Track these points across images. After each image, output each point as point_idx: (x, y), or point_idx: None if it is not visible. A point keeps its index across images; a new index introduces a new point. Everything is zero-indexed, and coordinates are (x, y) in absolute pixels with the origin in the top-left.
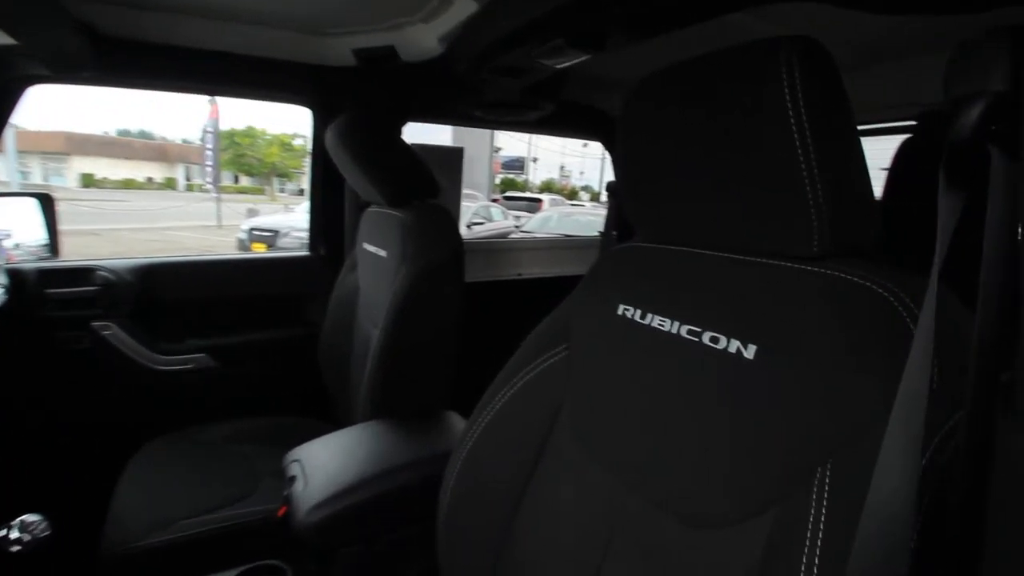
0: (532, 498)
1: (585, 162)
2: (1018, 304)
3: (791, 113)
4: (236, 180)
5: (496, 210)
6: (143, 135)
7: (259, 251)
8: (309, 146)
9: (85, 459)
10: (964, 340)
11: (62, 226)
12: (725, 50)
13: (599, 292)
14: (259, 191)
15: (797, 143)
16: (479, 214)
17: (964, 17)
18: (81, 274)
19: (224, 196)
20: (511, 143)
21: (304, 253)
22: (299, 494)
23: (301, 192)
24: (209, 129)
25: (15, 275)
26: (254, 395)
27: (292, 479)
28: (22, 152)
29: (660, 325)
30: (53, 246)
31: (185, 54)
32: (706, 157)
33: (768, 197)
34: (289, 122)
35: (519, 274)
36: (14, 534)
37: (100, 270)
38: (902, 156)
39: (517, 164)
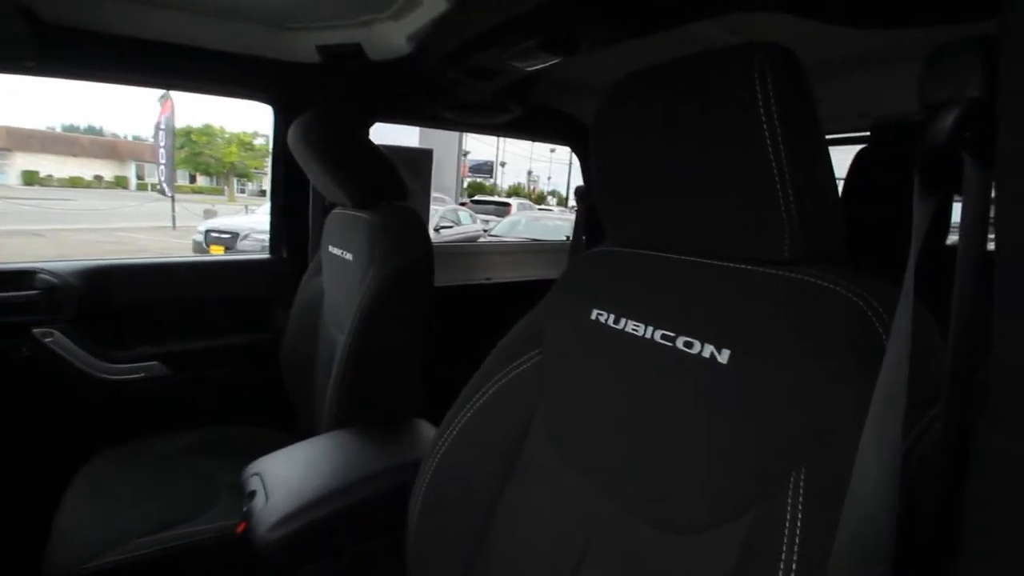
0: (506, 505)
1: (552, 167)
2: (991, 304)
3: (763, 118)
4: (192, 180)
5: (464, 214)
6: (91, 131)
7: (217, 254)
8: (271, 145)
9: (26, 474)
10: (932, 342)
11: (0, 226)
12: (699, 54)
13: (572, 296)
14: (218, 191)
15: (769, 147)
16: (447, 217)
17: (915, 32)
18: (20, 277)
19: (180, 196)
20: (479, 147)
21: (265, 256)
22: (259, 510)
23: (263, 193)
24: (163, 126)
25: None
26: (211, 404)
27: (252, 494)
28: None
29: (634, 330)
30: None
31: (137, 45)
32: (680, 160)
33: (741, 201)
34: (250, 120)
35: (488, 278)
36: None
37: (41, 273)
38: (857, 165)
39: (485, 168)
